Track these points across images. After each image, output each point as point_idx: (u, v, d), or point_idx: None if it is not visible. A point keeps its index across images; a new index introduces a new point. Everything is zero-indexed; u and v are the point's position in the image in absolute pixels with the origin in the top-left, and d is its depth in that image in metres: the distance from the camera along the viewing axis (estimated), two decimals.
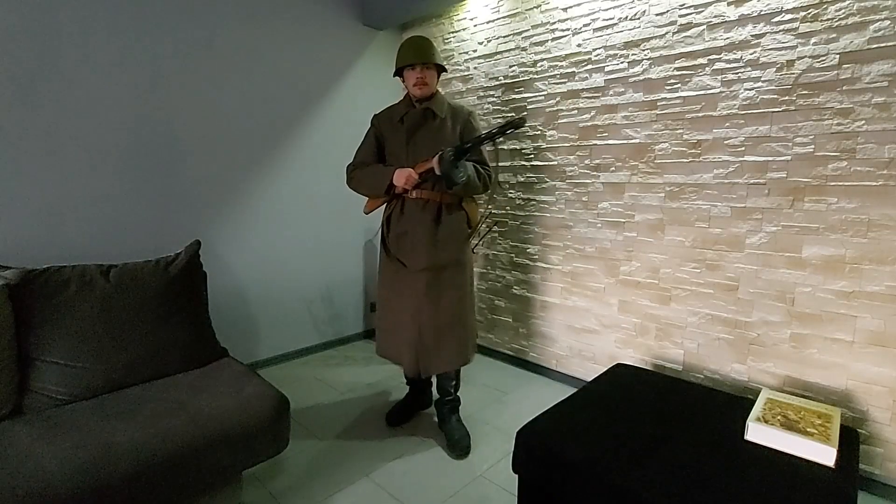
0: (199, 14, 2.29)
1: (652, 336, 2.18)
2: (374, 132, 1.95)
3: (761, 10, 1.76)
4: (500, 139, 1.79)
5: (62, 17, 1.91)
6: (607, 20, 2.19)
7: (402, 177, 1.77)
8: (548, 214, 2.52)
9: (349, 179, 1.94)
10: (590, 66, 2.27)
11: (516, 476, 1.49)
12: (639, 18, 2.09)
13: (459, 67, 2.89)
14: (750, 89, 1.81)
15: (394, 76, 1.95)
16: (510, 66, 2.62)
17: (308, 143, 2.80)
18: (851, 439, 1.32)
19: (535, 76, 2.50)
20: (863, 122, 1.60)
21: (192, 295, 1.75)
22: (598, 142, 2.28)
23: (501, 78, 2.67)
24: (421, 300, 1.83)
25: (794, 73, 1.71)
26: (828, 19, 1.63)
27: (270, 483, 1.71)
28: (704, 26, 1.91)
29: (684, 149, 2.00)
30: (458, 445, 1.89)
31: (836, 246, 1.68)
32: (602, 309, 2.35)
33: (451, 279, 1.87)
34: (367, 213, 1.99)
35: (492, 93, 2.73)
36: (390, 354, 1.95)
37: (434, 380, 2.10)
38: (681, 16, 1.96)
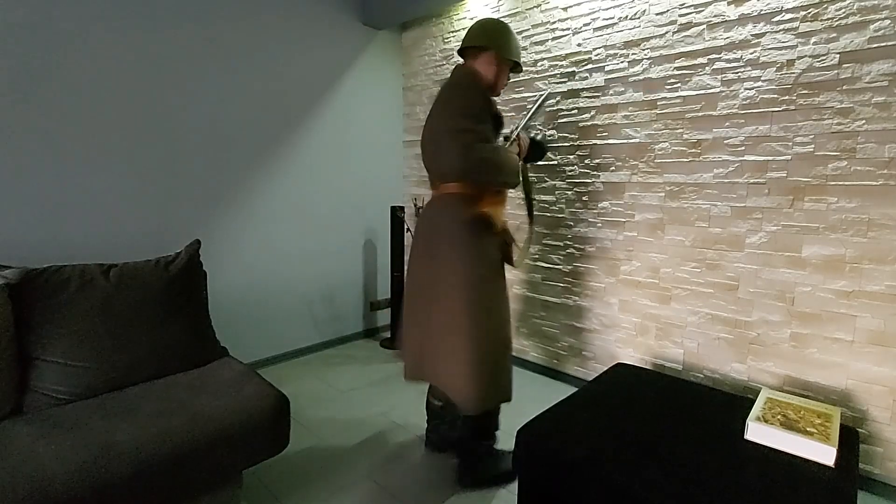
0: (199, 13, 2.29)
1: (652, 335, 2.18)
2: (489, 114, 1.56)
3: (761, 10, 1.76)
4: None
5: (62, 17, 1.91)
6: (607, 20, 2.19)
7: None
8: (548, 214, 2.52)
9: (483, 161, 1.40)
10: (590, 66, 2.27)
11: (516, 476, 1.49)
12: (639, 18, 2.09)
13: None
14: (750, 89, 1.81)
15: (464, 51, 1.66)
16: None
17: (308, 142, 2.80)
18: (851, 439, 1.32)
19: (535, 75, 2.50)
20: (863, 121, 1.60)
21: (192, 294, 1.75)
22: (598, 141, 2.28)
23: None
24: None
25: (794, 73, 1.71)
26: (828, 19, 1.63)
27: (270, 482, 1.72)
28: (704, 26, 1.91)
29: (684, 148, 2.00)
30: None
31: (836, 245, 1.68)
32: (602, 308, 2.35)
33: None
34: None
35: None
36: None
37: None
38: (681, 15, 1.96)
